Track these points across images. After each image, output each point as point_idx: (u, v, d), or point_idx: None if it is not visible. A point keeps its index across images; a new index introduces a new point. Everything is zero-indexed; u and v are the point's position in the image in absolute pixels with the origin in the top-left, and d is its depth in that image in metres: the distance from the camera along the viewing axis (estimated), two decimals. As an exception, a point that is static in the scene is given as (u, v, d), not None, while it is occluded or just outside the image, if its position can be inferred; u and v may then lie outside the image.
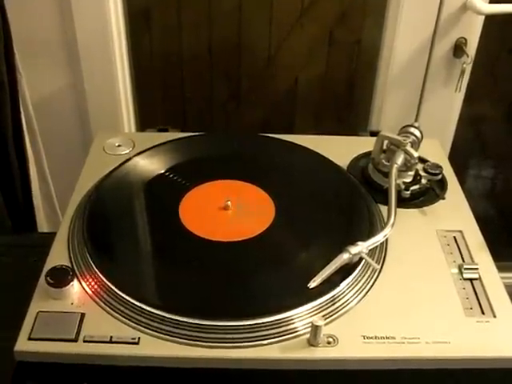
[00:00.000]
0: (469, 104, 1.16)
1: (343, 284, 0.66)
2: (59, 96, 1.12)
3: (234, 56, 1.18)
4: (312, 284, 0.65)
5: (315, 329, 0.60)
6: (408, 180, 0.81)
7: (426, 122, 1.09)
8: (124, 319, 0.63)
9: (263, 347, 0.61)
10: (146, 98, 1.22)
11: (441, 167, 0.83)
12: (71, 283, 0.65)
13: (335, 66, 1.20)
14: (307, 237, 0.75)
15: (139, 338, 0.61)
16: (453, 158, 0.95)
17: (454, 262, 0.72)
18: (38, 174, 1.13)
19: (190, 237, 0.73)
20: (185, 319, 0.62)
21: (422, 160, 0.84)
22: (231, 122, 1.27)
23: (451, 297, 0.67)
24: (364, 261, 0.69)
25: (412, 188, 0.80)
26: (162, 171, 0.85)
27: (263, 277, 0.69)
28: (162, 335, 0.61)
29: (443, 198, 0.82)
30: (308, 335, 0.61)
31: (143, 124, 1.23)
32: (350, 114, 1.27)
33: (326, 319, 0.62)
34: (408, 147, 0.80)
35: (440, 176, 0.83)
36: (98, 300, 0.65)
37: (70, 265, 0.68)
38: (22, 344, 0.60)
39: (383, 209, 0.78)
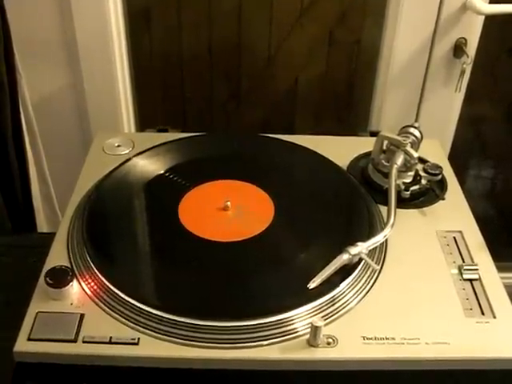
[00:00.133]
0: (469, 104, 1.16)
1: (343, 284, 0.66)
2: (59, 96, 1.12)
3: (234, 56, 1.18)
4: (312, 284, 0.65)
5: (315, 329, 0.60)
6: (408, 180, 0.81)
7: (425, 122, 1.09)
8: (123, 320, 0.63)
9: (263, 348, 0.61)
10: (145, 98, 1.22)
11: (441, 167, 0.83)
12: (70, 284, 0.65)
13: (335, 66, 1.20)
14: (307, 237, 0.75)
15: (139, 339, 0.61)
16: (453, 158, 0.95)
17: (454, 262, 0.72)
18: (38, 175, 1.13)
19: (189, 237, 0.73)
20: (184, 320, 0.62)
21: (421, 160, 0.84)
22: (231, 122, 1.27)
23: (451, 297, 0.67)
24: (364, 261, 0.68)
25: (412, 188, 0.80)
26: (162, 171, 0.85)
27: (263, 277, 0.69)
28: (161, 336, 0.61)
29: (443, 199, 0.81)
30: (308, 336, 0.61)
31: (143, 124, 1.23)
32: (349, 114, 1.27)
33: (325, 320, 0.62)
34: (408, 147, 0.80)
35: (440, 176, 0.83)
36: (97, 300, 0.65)
37: (69, 265, 0.68)
38: (22, 344, 0.60)
39: (383, 209, 0.78)
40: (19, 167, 1.04)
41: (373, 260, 0.69)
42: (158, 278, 0.70)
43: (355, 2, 1.14)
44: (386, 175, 0.80)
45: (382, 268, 0.70)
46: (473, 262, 0.72)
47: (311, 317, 0.63)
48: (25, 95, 1.05)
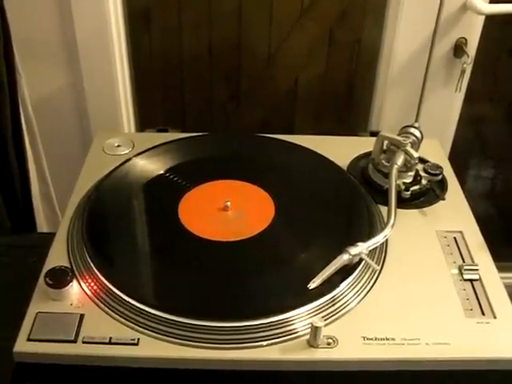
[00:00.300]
0: (469, 104, 1.16)
1: (343, 285, 0.66)
2: (59, 96, 1.12)
3: (234, 56, 1.18)
4: (312, 285, 0.65)
5: (315, 330, 0.60)
6: (408, 180, 0.81)
7: (426, 122, 1.09)
8: (123, 320, 0.63)
9: (263, 348, 0.61)
10: (145, 98, 1.22)
11: (441, 168, 0.83)
12: (70, 284, 0.65)
13: (335, 66, 1.20)
14: (307, 237, 0.75)
15: (138, 339, 0.61)
16: (453, 158, 0.94)
17: (454, 262, 0.72)
18: (38, 175, 1.13)
19: (189, 237, 0.73)
20: (184, 320, 0.62)
21: (422, 160, 0.84)
22: (231, 123, 1.27)
23: (451, 298, 0.67)
24: (364, 261, 0.68)
25: (412, 188, 0.80)
26: (162, 172, 0.84)
27: (263, 277, 0.68)
28: (161, 336, 0.61)
29: (443, 199, 0.81)
30: (308, 336, 0.61)
31: (143, 124, 1.23)
32: (350, 114, 1.27)
33: (325, 320, 0.62)
34: (408, 147, 0.80)
35: (440, 176, 0.83)
36: (97, 301, 0.65)
37: (69, 265, 0.68)
38: (21, 345, 0.60)
39: (383, 209, 0.78)
40: (19, 167, 1.04)
41: (373, 260, 0.69)
42: (158, 279, 0.70)
43: (355, 2, 1.13)
44: (386, 175, 0.80)
45: (382, 268, 0.70)
46: (473, 262, 0.72)
47: (311, 317, 0.63)
48: (24, 95, 1.05)
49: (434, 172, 0.82)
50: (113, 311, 0.63)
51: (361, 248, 0.68)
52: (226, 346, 0.61)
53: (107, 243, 0.74)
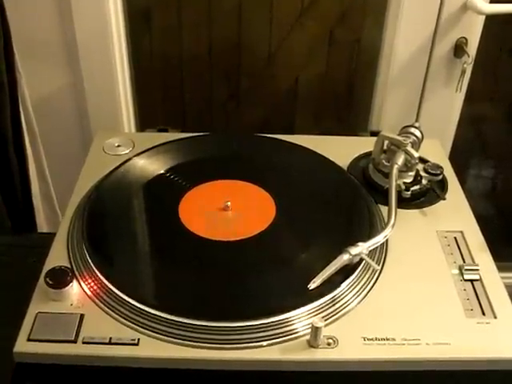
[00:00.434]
0: (469, 104, 1.16)
1: (343, 285, 0.66)
2: (59, 96, 1.12)
3: (234, 56, 1.18)
4: (312, 285, 0.65)
5: (315, 330, 0.60)
6: (408, 180, 0.81)
7: (426, 122, 1.09)
8: (123, 320, 0.63)
9: (263, 348, 0.61)
10: (145, 98, 1.22)
11: (441, 167, 0.83)
12: (70, 284, 0.65)
13: (335, 66, 1.20)
14: (307, 237, 0.75)
15: (139, 339, 0.61)
16: (453, 158, 0.94)
17: (455, 262, 0.72)
18: (38, 174, 1.13)
19: (189, 236, 0.73)
20: (184, 320, 0.62)
21: (422, 160, 0.84)
22: (231, 122, 1.27)
23: (452, 298, 0.67)
24: (364, 261, 0.68)
25: (412, 188, 0.80)
26: (162, 171, 0.84)
27: (263, 277, 0.68)
28: (161, 336, 0.61)
29: (444, 199, 0.81)
30: (308, 336, 0.61)
31: (143, 124, 1.23)
32: (350, 113, 1.27)
33: (326, 320, 0.62)
34: (408, 147, 0.80)
35: (440, 176, 0.83)
36: (97, 301, 0.65)
37: (69, 265, 0.68)
38: (22, 345, 0.60)
39: (383, 209, 0.78)
40: (19, 166, 1.04)
41: (373, 260, 0.69)
42: (158, 278, 0.70)
43: (355, 2, 1.13)
44: (387, 175, 0.80)
45: (382, 268, 0.70)
46: (473, 262, 0.72)
47: (311, 317, 0.63)
48: (25, 95, 1.05)
49: (434, 172, 0.82)
50: (113, 311, 0.63)
51: (361, 248, 0.68)
52: (226, 346, 0.61)
53: (107, 243, 0.74)
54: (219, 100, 1.24)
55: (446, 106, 1.13)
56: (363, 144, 0.90)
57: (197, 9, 1.13)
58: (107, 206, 0.79)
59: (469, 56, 1.05)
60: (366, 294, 0.67)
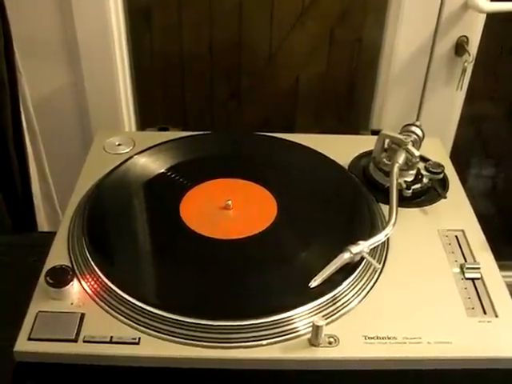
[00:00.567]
0: (470, 103, 1.16)
1: (344, 283, 0.66)
2: (59, 95, 1.12)
3: (235, 55, 1.18)
4: (313, 283, 0.65)
5: (316, 329, 0.60)
6: (409, 179, 0.81)
7: (427, 120, 1.09)
8: (124, 319, 0.63)
9: (264, 347, 0.61)
10: (146, 97, 1.22)
11: (442, 166, 0.83)
12: (71, 283, 0.65)
13: (336, 65, 1.20)
14: (308, 236, 0.74)
15: (139, 338, 0.61)
16: (454, 156, 0.94)
17: (456, 261, 0.72)
18: (38, 173, 1.13)
19: (190, 235, 0.73)
20: (185, 319, 0.62)
21: (423, 159, 0.84)
22: (232, 121, 1.27)
23: (453, 296, 0.67)
24: (365, 260, 0.68)
25: (413, 187, 0.80)
26: (163, 170, 0.84)
27: (264, 276, 0.68)
28: (162, 335, 0.61)
29: (445, 197, 0.81)
30: (309, 335, 0.61)
31: (144, 123, 1.23)
32: (350, 112, 1.27)
33: (326, 319, 0.62)
34: (409, 146, 0.79)
35: (441, 175, 0.83)
36: (98, 300, 0.64)
37: (69, 264, 0.68)
38: (22, 344, 0.60)
39: (384, 208, 0.78)
40: (19, 165, 1.04)
41: (374, 259, 0.69)
42: (159, 277, 0.70)
43: (356, 1, 1.13)
44: (388, 174, 0.80)
45: (383, 267, 0.70)
46: (475, 260, 0.72)
47: (312, 316, 0.62)
48: (25, 94, 1.05)
49: (435, 170, 0.82)
50: (114, 310, 0.63)
51: (362, 246, 0.68)
52: (226, 344, 0.61)
53: (108, 242, 0.74)
54: (220, 99, 1.24)
55: (447, 105, 1.13)
56: (364, 143, 0.90)
57: (197, 8, 1.13)
58: (108, 204, 0.79)
59: (469, 55, 1.04)
60: (367, 293, 0.67)
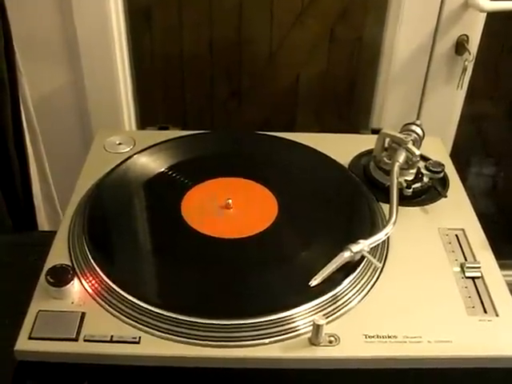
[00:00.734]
0: (470, 102, 1.16)
1: (345, 282, 0.66)
2: (60, 94, 1.12)
3: (235, 54, 1.18)
4: (313, 282, 0.65)
5: (317, 328, 0.60)
6: (410, 178, 0.81)
7: (427, 119, 1.09)
8: (125, 318, 0.62)
9: (264, 346, 0.61)
10: (146, 96, 1.22)
11: (443, 165, 0.83)
12: (71, 282, 0.65)
13: (336, 64, 1.20)
14: (309, 235, 0.74)
15: (140, 338, 0.61)
16: (454, 155, 0.94)
17: (456, 260, 0.72)
18: (39, 173, 1.13)
19: (192, 233, 0.73)
20: (186, 318, 0.62)
21: (423, 158, 0.84)
22: (232, 120, 1.27)
23: (453, 295, 0.67)
24: (366, 259, 0.68)
25: (414, 186, 0.80)
26: (163, 169, 0.84)
27: (264, 275, 0.68)
28: (163, 334, 0.61)
29: (445, 196, 0.81)
30: (309, 334, 0.61)
31: (144, 122, 1.23)
32: (351, 111, 1.27)
33: (327, 318, 0.62)
34: (410, 145, 0.79)
35: (442, 174, 0.83)
36: (98, 299, 0.64)
37: (70, 263, 0.68)
38: (23, 343, 0.60)
39: (385, 207, 0.78)
40: (20, 165, 1.04)
41: (375, 258, 0.69)
42: (160, 276, 0.70)
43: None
44: (388, 173, 0.80)
45: (383, 266, 0.70)
46: (475, 259, 0.72)
47: (313, 315, 0.62)
48: (25, 93, 1.04)
49: (435, 169, 0.82)
50: (114, 309, 0.63)
51: (362, 245, 0.67)
52: (227, 343, 0.61)
53: (108, 241, 0.74)
54: (220, 98, 1.24)
55: (447, 104, 1.13)
56: (364, 142, 0.90)
57: (197, 7, 1.13)
58: (108, 204, 0.79)
59: (470, 53, 1.04)
60: (368, 292, 0.67)
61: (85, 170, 0.85)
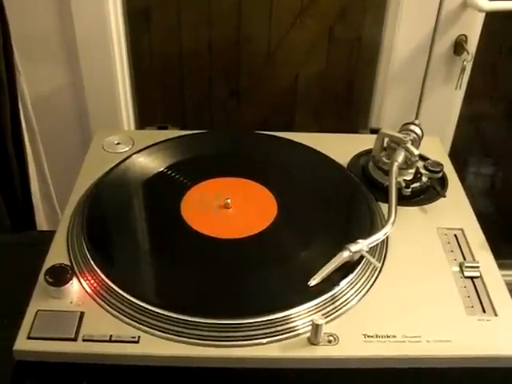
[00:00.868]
0: (469, 102, 1.16)
1: (344, 282, 0.66)
2: (58, 94, 1.11)
3: (234, 53, 1.18)
4: (312, 282, 0.65)
5: (316, 327, 0.60)
6: (408, 178, 0.81)
7: (426, 119, 1.09)
8: (124, 318, 0.62)
9: (263, 346, 0.61)
10: (145, 96, 1.22)
11: (441, 165, 0.83)
12: (70, 282, 0.65)
13: (335, 63, 1.20)
14: (308, 234, 0.74)
15: (139, 337, 0.61)
16: (453, 155, 0.94)
17: (455, 260, 0.72)
18: (37, 173, 1.13)
19: (191, 233, 0.73)
20: (185, 317, 0.62)
21: (422, 158, 0.84)
22: (231, 120, 1.27)
23: (452, 295, 0.67)
24: (365, 259, 0.68)
25: (412, 186, 0.80)
26: (162, 169, 0.84)
27: (263, 275, 0.68)
28: (161, 334, 0.61)
29: (444, 196, 0.81)
30: (308, 334, 0.61)
31: (143, 122, 1.22)
32: (350, 111, 1.27)
33: (326, 318, 0.62)
34: (408, 145, 0.79)
35: (441, 174, 0.83)
36: (97, 298, 0.64)
37: (69, 263, 0.68)
38: (22, 343, 0.60)
39: (384, 207, 0.78)
40: (18, 165, 1.04)
41: (374, 257, 0.69)
42: (159, 276, 0.70)
43: (355, -1, 1.13)
44: (387, 173, 0.80)
45: (382, 265, 0.70)
46: (474, 259, 0.72)
47: (312, 315, 0.62)
48: (24, 93, 1.04)
49: (434, 169, 0.82)
50: (113, 309, 0.63)
51: (361, 245, 0.68)
52: (226, 343, 0.61)
53: (107, 241, 0.74)
54: (219, 98, 1.24)
55: (446, 104, 1.13)
56: (363, 141, 0.90)
57: (196, 7, 1.13)
58: (107, 203, 0.79)
59: (468, 53, 1.05)
60: (367, 291, 0.67)
61: (83, 170, 0.85)
